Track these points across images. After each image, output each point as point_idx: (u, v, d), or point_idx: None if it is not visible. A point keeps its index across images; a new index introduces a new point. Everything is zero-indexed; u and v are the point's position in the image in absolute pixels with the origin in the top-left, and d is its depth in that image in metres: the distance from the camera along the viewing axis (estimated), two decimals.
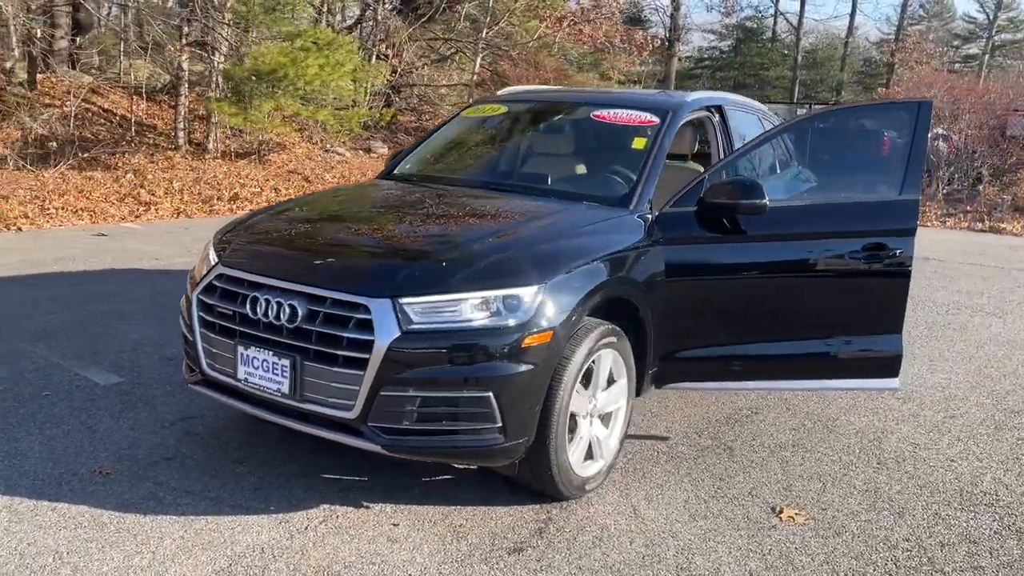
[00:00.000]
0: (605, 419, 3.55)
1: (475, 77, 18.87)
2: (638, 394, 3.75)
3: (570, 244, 3.34)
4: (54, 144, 12.60)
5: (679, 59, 39.68)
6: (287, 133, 16.65)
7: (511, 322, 2.94)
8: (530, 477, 3.22)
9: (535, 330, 2.97)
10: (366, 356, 2.87)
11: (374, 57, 18.31)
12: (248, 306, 3.12)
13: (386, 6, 18.95)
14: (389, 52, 18.62)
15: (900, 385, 4.14)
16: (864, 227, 3.85)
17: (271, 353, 3.05)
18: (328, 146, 17.29)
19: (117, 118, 15.57)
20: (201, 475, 3.44)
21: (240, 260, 3.32)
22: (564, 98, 4.83)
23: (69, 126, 13.33)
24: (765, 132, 4.23)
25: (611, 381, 3.51)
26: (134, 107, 15.22)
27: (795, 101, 32.80)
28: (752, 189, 3.60)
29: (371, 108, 16.15)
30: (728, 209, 3.66)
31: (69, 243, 8.19)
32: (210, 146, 14.47)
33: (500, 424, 2.93)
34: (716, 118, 4.61)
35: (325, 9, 17.73)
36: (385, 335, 2.86)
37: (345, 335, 2.92)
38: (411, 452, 3.00)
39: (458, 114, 4.97)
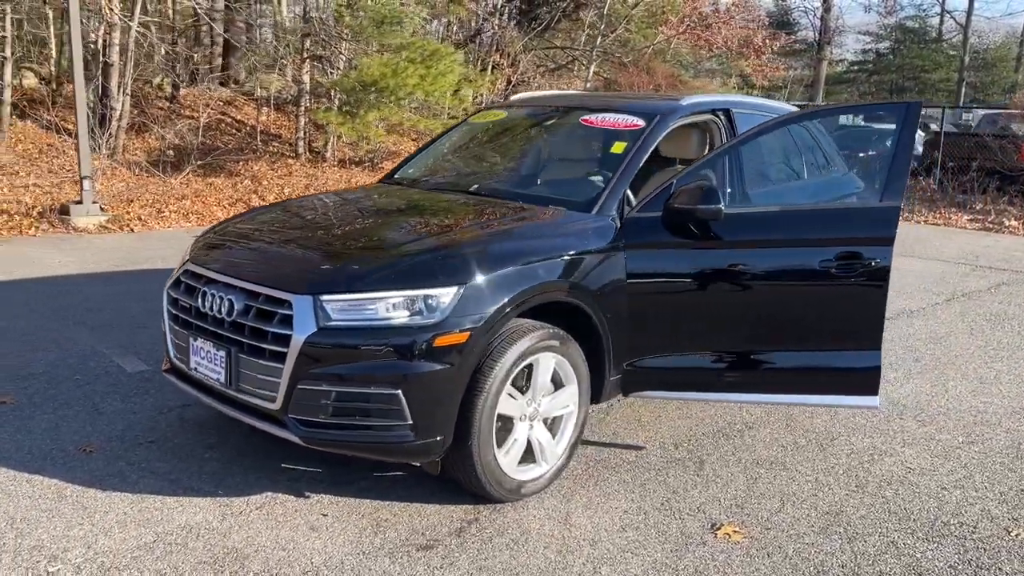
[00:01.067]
0: (554, 424, 3.51)
1: (588, 85, 18.86)
2: (598, 401, 3.70)
3: (505, 247, 3.35)
4: (185, 151, 13.62)
5: (830, 62, 38.05)
6: (402, 142, 17.26)
7: (426, 322, 2.99)
8: (459, 476, 3.25)
9: (450, 330, 3.00)
10: (285, 350, 3.00)
11: (489, 67, 18.66)
12: (199, 300, 3.33)
13: (503, 17, 19.30)
14: (504, 62, 18.91)
15: (880, 404, 3.86)
16: (838, 235, 3.65)
17: (212, 344, 3.24)
18: None
19: (247, 128, 16.64)
20: (172, 457, 3.67)
21: (201, 257, 3.54)
22: (561, 103, 4.81)
23: (198, 135, 14.34)
24: (742, 135, 4.05)
25: (559, 385, 3.47)
26: (261, 117, 16.20)
27: (960, 105, 30.68)
28: (708, 194, 3.50)
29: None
30: (687, 215, 3.56)
31: (168, 243, 8.84)
32: (327, 154, 15.21)
33: (410, 422, 2.98)
34: (722, 121, 4.47)
35: (444, 22, 18.26)
36: (302, 330, 2.98)
37: (270, 329, 3.07)
38: (327, 445, 3.10)
39: (466, 119, 5.05)
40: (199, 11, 15.51)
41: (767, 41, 19.05)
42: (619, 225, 3.67)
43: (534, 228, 3.60)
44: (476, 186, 4.28)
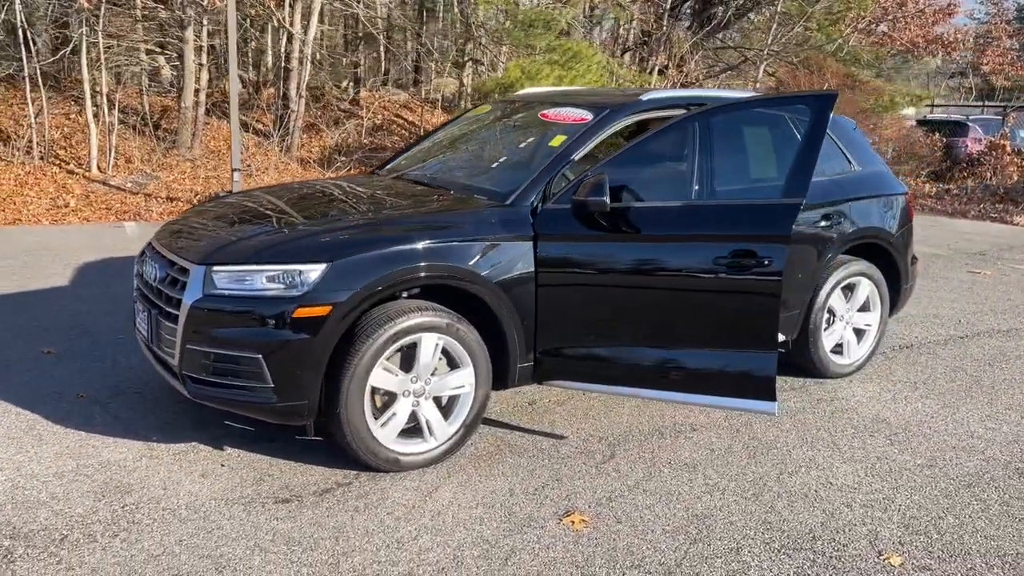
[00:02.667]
0: (451, 403, 3.65)
1: (757, 86, 18.22)
2: (505, 386, 3.79)
3: (382, 232, 3.55)
4: (351, 150, 14.75)
5: None
6: None
7: (292, 294, 3.27)
8: (337, 441, 3.50)
9: (312, 304, 3.26)
10: (178, 313, 3.40)
11: (654, 69, 18.54)
12: (144, 268, 3.81)
13: (673, 17, 19.09)
14: (670, 63, 18.71)
15: (777, 411, 3.65)
16: (733, 232, 3.53)
17: (143, 306, 3.71)
18: None
19: (416, 129, 17.67)
20: (140, 408, 4.19)
21: (160, 234, 4.03)
22: (543, 98, 4.88)
23: (362, 135, 15.45)
24: (654, 130, 3.95)
25: (456, 366, 3.63)
26: (430, 118, 17.16)
27: None
28: (597, 188, 3.51)
29: None
30: (581, 206, 3.59)
31: None
32: None
33: (272, 385, 3.28)
34: (699, 121, 4.37)
35: (609, 24, 18.37)
36: (191, 295, 3.37)
37: (172, 294, 3.48)
38: (209, 401, 3.46)
39: (464, 113, 5.26)
40: (363, 18, 16.60)
41: (954, 35, 17.38)
42: (531, 216, 3.73)
43: (430, 215, 3.77)
44: (427, 175, 4.48)
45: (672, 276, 3.65)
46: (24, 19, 12.63)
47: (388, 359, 3.46)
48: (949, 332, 6.11)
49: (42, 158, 11.78)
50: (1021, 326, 6.36)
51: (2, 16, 12.48)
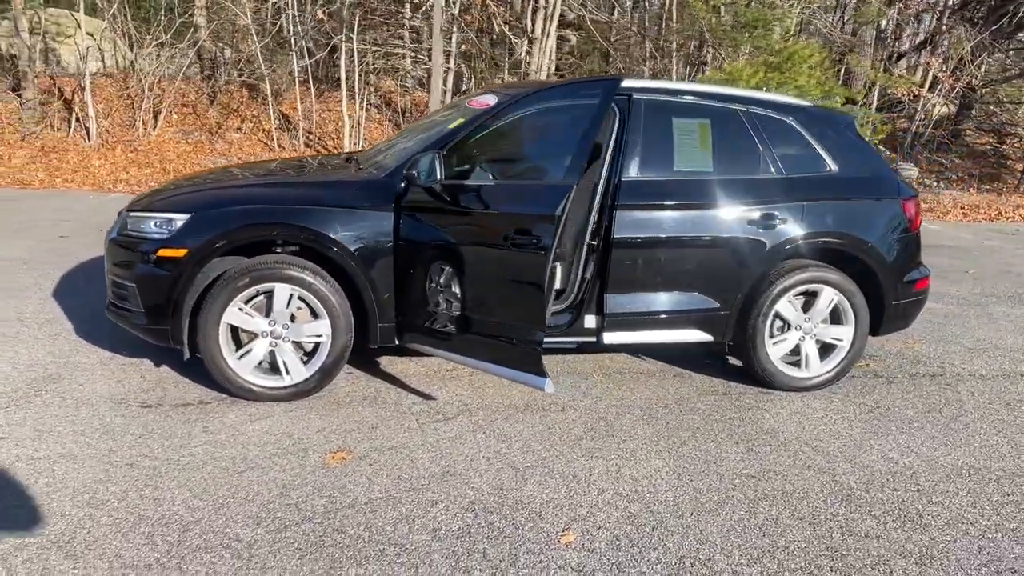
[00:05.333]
0: (313, 350, 4.22)
1: None
2: (372, 343, 4.27)
3: (253, 192, 4.20)
4: None
5: None
6: None
7: (161, 237, 4.07)
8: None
9: (173, 246, 4.03)
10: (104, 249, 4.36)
11: (925, 73, 16.96)
12: None
13: (953, 17, 17.33)
14: (944, 68, 16.98)
15: (552, 389, 3.68)
16: (519, 211, 3.69)
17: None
18: None
19: None
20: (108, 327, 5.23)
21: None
22: (506, 89, 5.15)
23: None
24: (472, 118, 4.13)
25: (317, 317, 4.21)
26: None
27: None
28: (426, 164, 3.87)
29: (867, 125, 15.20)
30: (411, 180, 3.97)
31: None
32: None
33: (142, 310, 4.10)
34: (621, 108, 4.51)
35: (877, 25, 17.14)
36: (111, 234, 4.30)
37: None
38: (115, 320, 4.35)
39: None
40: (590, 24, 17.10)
41: None
42: (397, 189, 4.17)
43: (306, 186, 4.34)
44: (367, 156, 5.03)
45: (480, 250, 3.87)
46: (297, 29, 14.98)
47: (248, 303, 4.08)
48: (976, 366, 5.35)
49: (307, 144, 13.94)
50: None
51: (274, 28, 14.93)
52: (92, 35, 17.11)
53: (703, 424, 4.16)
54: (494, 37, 17.04)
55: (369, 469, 3.49)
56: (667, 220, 4.41)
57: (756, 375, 4.68)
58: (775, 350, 4.64)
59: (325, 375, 4.21)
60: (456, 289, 3.96)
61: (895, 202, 4.70)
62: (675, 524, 3.16)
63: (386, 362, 4.86)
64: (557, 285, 4.56)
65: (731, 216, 4.47)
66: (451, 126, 4.35)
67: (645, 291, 4.44)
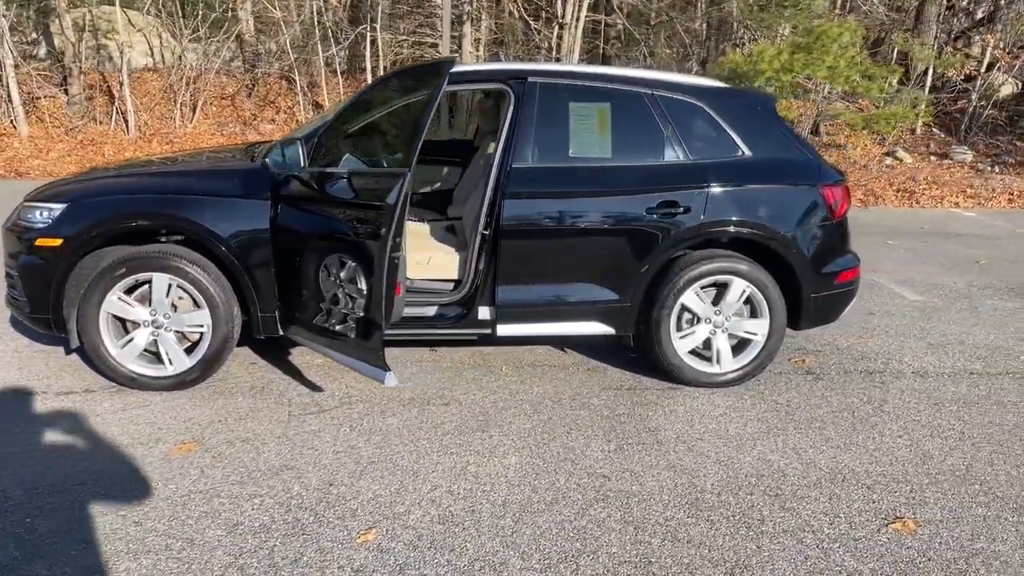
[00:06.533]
0: (200, 340, 4.24)
1: None
2: (256, 333, 4.27)
3: (133, 182, 4.22)
4: None
5: None
6: (853, 134, 16.24)
7: (41, 227, 4.14)
8: None
9: (49, 235, 4.09)
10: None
11: (987, 53, 16.09)
12: None
13: None
14: (1000, 44, 16.07)
15: (394, 382, 3.58)
16: (365, 199, 3.62)
17: None
18: (891, 148, 16.21)
19: None
20: None
21: None
22: None
23: None
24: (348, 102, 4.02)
25: (199, 307, 4.23)
26: None
27: None
28: (268, 151, 3.84)
29: (916, 107, 14.50)
30: (275, 166, 3.94)
31: None
32: None
33: (26, 299, 4.18)
34: (516, 92, 4.39)
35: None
36: (7, 222, 4.40)
37: None
38: (11, 309, 4.44)
39: None
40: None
41: None
42: (274, 179, 4.14)
43: (190, 174, 4.33)
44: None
45: (334, 240, 3.81)
46: (323, 19, 15.14)
47: (130, 292, 4.11)
48: (925, 363, 5.02)
49: None
50: (982, 368, 4.94)
51: (303, 17, 15.11)
52: (142, 31, 17.69)
53: (586, 420, 4.01)
54: (527, 23, 16.86)
55: (208, 461, 3.47)
56: (560, 208, 4.26)
57: (664, 370, 4.49)
58: (682, 344, 4.44)
59: (207, 365, 4.21)
60: (319, 280, 3.90)
61: (813, 188, 4.43)
62: (489, 525, 3.05)
63: (297, 352, 4.85)
64: (438, 275, 4.46)
65: (629, 204, 4.29)
66: (333, 112, 4.29)
67: (538, 282, 4.30)
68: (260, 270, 4.08)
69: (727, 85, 4.64)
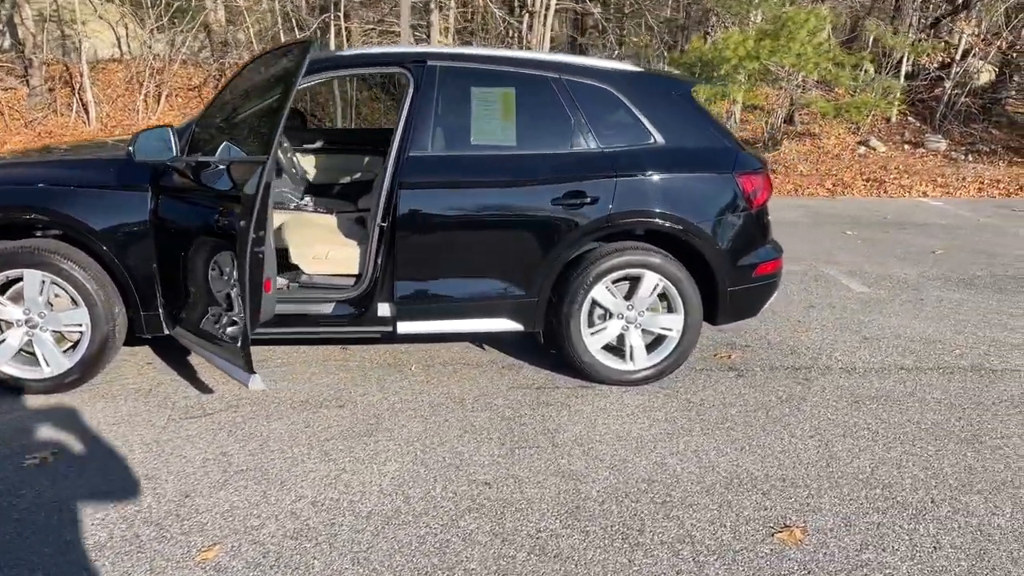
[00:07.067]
0: (80, 339, 4.01)
1: None
2: (139, 332, 4.05)
3: (7, 172, 3.99)
4: None
5: None
6: (826, 123, 16.05)
7: None
8: None
9: None
10: None
11: (962, 41, 15.90)
12: None
13: None
14: (975, 32, 15.87)
15: (260, 386, 3.36)
16: (224, 190, 3.41)
17: None
18: (864, 137, 16.03)
19: None
20: None
21: None
22: None
23: None
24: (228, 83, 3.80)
25: (77, 305, 4.00)
26: None
27: None
28: (133, 139, 3.61)
29: (888, 96, 14.29)
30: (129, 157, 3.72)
31: None
32: None
33: None
34: (415, 76, 4.17)
35: None
36: None
37: None
38: None
39: None
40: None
41: None
42: (158, 169, 3.91)
43: (55, 163, 4.12)
44: None
45: (204, 234, 3.60)
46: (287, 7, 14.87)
47: (2, 291, 3.89)
48: (855, 359, 4.83)
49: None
50: (911, 363, 4.76)
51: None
52: (104, 18, 17.36)
53: (484, 422, 3.81)
54: (497, 11, 16.59)
55: (64, 471, 3.27)
56: (460, 199, 4.05)
57: (575, 368, 4.29)
58: (594, 340, 4.24)
59: (87, 367, 4.00)
60: (199, 277, 3.69)
61: (728, 177, 4.22)
62: (345, 540, 2.84)
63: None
64: (338, 270, 4.24)
65: (534, 195, 4.08)
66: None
67: (439, 277, 4.09)
68: (140, 265, 3.87)
69: (640, 69, 4.41)
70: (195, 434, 3.62)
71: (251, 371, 3.38)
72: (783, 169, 13.48)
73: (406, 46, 4.28)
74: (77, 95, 15.17)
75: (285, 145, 5.03)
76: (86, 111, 15.00)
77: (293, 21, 15.36)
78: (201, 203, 3.67)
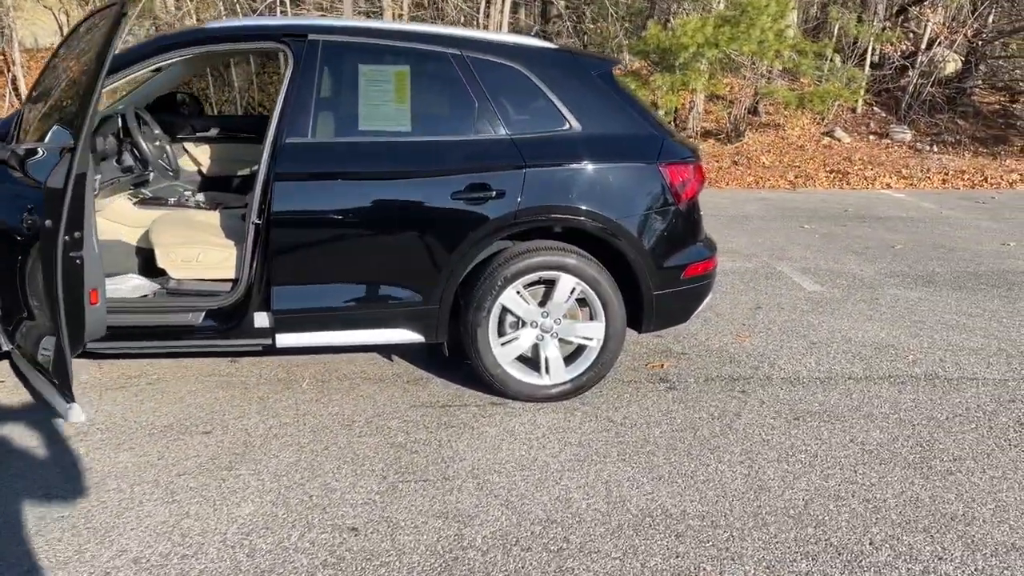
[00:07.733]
0: None
1: None
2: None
3: None
4: None
5: None
6: (791, 113, 15.65)
7: None
8: None
9: None
10: None
11: (927, 29, 15.54)
12: None
13: None
14: (940, 21, 15.54)
15: (80, 418, 2.84)
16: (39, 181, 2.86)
17: None
18: (829, 128, 15.64)
19: None
20: None
21: None
22: None
23: None
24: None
25: None
26: None
27: None
28: None
29: (851, 85, 13.92)
30: None
31: None
32: (689, 125, 14.57)
33: None
34: (297, 49, 3.63)
35: None
36: None
37: None
38: None
39: None
40: None
41: None
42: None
43: None
44: None
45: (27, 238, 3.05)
46: None
47: None
48: (800, 367, 4.38)
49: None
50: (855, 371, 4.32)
51: None
52: (43, 2, 16.57)
53: (369, 450, 3.31)
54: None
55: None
56: (344, 193, 3.55)
57: (485, 382, 3.80)
58: (504, 352, 3.74)
59: None
60: (31, 287, 3.14)
61: (652, 167, 3.73)
62: None
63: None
64: (210, 275, 3.71)
65: (431, 187, 3.57)
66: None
67: (322, 282, 3.58)
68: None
69: (554, 46, 3.91)
70: (21, 471, 3.08)
71: (70, 400, 2.83)
72: (746, 161, 13.08)
73: (286, 18, 3.72)
74: (10, 84, 14.42)
75: (156, 132, 4.47)
76: (19, 100, 14.26)
77: (238, 7, 14.69)
78: (26, 198, 3.12)
